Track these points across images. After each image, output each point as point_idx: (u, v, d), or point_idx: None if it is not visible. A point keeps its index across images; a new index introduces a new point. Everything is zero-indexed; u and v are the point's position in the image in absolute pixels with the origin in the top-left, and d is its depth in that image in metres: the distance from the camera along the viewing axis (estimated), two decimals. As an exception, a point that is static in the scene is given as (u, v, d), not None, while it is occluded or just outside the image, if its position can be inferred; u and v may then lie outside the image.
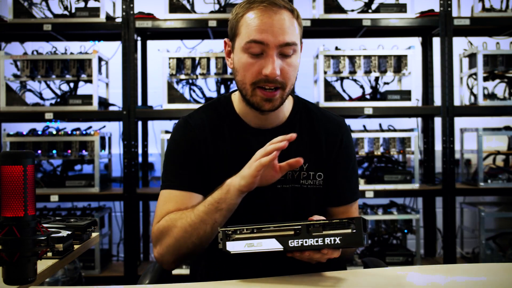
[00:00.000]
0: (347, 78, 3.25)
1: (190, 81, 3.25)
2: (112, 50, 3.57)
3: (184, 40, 3.55)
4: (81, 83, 3.26)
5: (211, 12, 3.17)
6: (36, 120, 3.21)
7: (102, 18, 3.11)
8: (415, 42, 3.63)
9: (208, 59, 3.15)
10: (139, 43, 3.50)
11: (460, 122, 3.42)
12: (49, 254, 1.22)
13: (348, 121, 1.50)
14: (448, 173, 3.07)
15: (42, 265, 1.15)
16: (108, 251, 3.40)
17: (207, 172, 1.38)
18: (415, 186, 3.09)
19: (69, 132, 3.08)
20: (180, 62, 3.15)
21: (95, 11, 3.11)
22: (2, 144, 3.04)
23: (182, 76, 3.15)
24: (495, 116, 3.72)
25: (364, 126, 3.21)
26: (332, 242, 1.07)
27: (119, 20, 3.16)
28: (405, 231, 3.17)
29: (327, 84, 3.13)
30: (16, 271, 1.01)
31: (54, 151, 3.06)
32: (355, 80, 3.30)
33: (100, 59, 3.20)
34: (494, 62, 3.16)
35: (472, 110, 3.26)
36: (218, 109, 1.45)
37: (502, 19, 3.16)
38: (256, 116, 1.39)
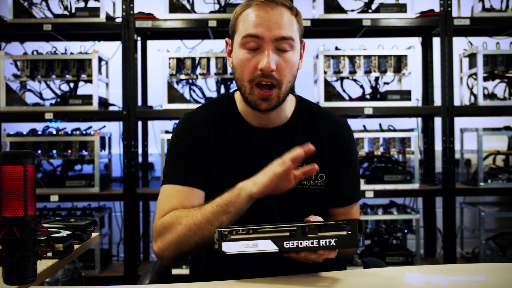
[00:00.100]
0: (347, 78, 3.25)
1: (190, 81, 3.25)
2: (112, 50, 3.57)
3: (184, 40, 3.55)
4: (81, 83, 3.26)
5: (211, 12, 3.17)
6: (36, 120, 3.22)
7: (102, 18, 3.11)
8: (415, 42, 3.63)
9: (208, 59, 3.15)
10: (139, 43, 3.50)
11: (460, 122, 3.42)
12: (49, 254, 1.22)
13: (348, 121, 1.50)
14: (448, 173, 3.07)
15: (42, 265, 1.15)
16: (108, 251, 3.40)
17: (209, 170, 1.37)
18: (415, 186, 3.09)
19: (69, 132, 3.08)
20: (180, 62, 3.15)
21: (95, 11, 3.11)
22: (2, 144, 3.04)
23: (182, 76, 3.16)
24: (495, 116, 3.73)
25: (364, 126, 3.21)
26: (327, 244, 1.07)
27: (119, 20, 3.17)
28: (405, 231, 3.17)
29: (327, 84, 3.13)
30: (16, 271, 1.01)
31: (54, 151, 3.06)
32: (355, 80, 3.30)
33: (100, 59, 3.20)
34: (494, 62, 3.16)
35: (472, 110, 3.26)
36: (221, 107, 1.44)
37: (502, 19, 3.16)
38: (257, 116, 1.39)
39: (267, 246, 1.11)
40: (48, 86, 3.27)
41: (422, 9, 3.19)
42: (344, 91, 3.25)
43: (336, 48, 3.19)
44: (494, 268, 1.37)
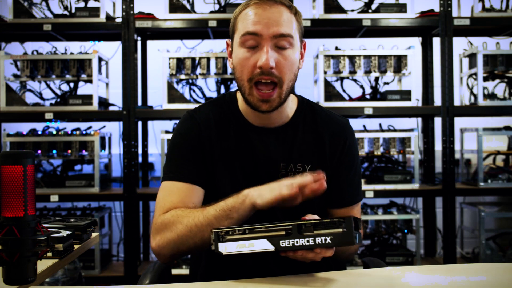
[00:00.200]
0: (347, 78, 3.25)
1: (190, 81, 3.25)
2: (112, 50, 3.57)
3: (184, 40, 3.55)
4: (81, 83, 3.26)
5: (211, 12, 3.17)
6: (36, 120, 3.22)
7: (102, 18, 3.11)
8: (415, 42, 3.63)
9: (208, 59, 3.15)
10: (139, 43, 3.50)
11: (460, 122, 3.42)
12: (49, 254, 1.22)
13: (349, 122, 1.50)
14: (448, 173, 3.07)
15: (42, 265, 1.15)
16: (108, 251, 3.40)
17: (210, 168, 1.37)
18: (415, 186, 3.09)
19: (69, 132, 3.08)
20: (180, 62, 3.15)
21: (95, 11, 3.11)
22: (2, 144, 3.04)
23: (182, 76, 3.16)
24: (495, 116, 3.73)
25: (364, 126, 3.21)
26: (323, 242, 1.07)
27: (119, 20, 3.17)
28: (405, 231, 3.17)
29: (327, 84, 3.13)
30: (16, 271, 1.01)
31: (54, 151, 3.06)
32: (355, 80, 3.30)
33: (100, 59, 3.20)
34: (494, 62, 3.16)
35: (472, 110, 3.26)
36: (223, 106, 1.44)
37: (502, 19, 3.16)
38: (258, 116, 1.39)
39: (263, 245, 1.11)
40: (48, 86, 3.27)
41: (422, 9, 3.19)
42: (344, 91, 3.25)
43: (336, 48, 3.19)
44: (494, 268, 1.37)
